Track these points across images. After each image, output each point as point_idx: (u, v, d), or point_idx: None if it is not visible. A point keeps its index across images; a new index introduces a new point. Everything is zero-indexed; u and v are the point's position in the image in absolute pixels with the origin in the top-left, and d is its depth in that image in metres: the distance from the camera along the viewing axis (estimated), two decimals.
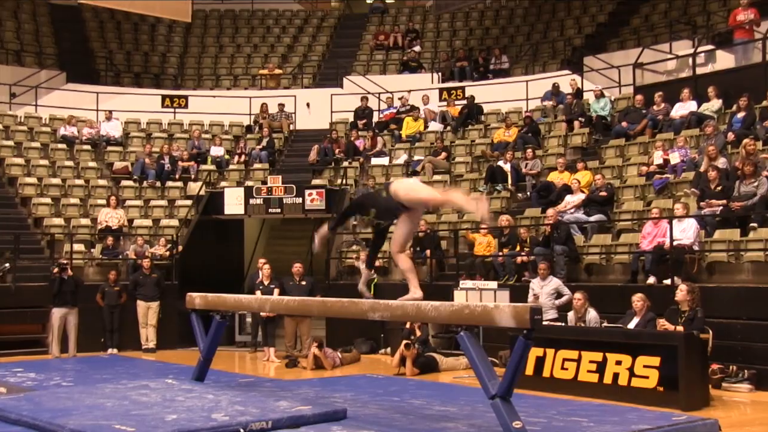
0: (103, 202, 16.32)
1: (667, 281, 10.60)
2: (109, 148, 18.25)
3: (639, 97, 15.80)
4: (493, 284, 11.85)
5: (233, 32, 23.89)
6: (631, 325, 9.37)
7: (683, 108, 14.83)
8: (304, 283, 12.70)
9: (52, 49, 21.11)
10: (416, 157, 17.44)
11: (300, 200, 16.08)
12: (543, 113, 17.73)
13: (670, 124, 14.77)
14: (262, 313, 12.53)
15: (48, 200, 16.29)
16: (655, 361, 8.57)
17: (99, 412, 6.48)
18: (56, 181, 16.91)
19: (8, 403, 7.07)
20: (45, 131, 18.40)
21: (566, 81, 17.51)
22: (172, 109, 20.23)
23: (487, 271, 12.95)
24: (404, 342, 11.15)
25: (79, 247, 15.08)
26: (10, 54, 19.98)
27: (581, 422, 6.74)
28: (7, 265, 13.88)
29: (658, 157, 13.53)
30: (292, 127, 20.09)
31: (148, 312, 13.88)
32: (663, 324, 9.04)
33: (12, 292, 13.56)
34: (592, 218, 12.77)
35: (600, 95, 16.52)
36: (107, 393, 7.43)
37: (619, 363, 8.82)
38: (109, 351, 13.57)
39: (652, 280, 10.95)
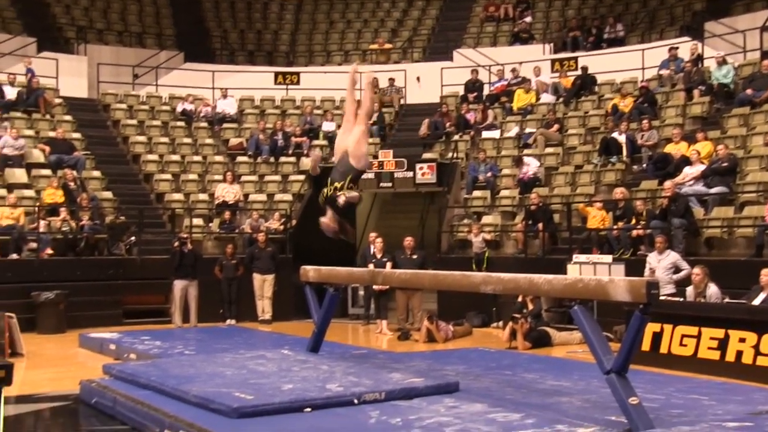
0: (220, 177, 16.81)
1: None
2: (225, 125, 18.77)
3: (766, 62, 14.98)
4: (608, 258, 11.58)
5: (343, 8, 24.02)
6: (757, 301, 8.97)
7: None
8: (415, 256, 12.76)
9: (171, 31, 21.84)
10: (528, 130, 17.17)
11: (411, 174, 16.09)
12: (660, 82, 17.08)
13: None
14: (374, 287, 12.69)
15: (168, 176, 16.91)
16: None
17: (219, 379, 6.75)
18: (176, 157, 17.53)
19: (138, 369, 7.50)
20: (165, 110, 19.10)
21: (685, 48, 16.80)
22: (284, 86, 20.59)
23: (601, 245, 12.67)
24: (512, 315, 11.08)
25: (198, 221, 15.66)
26: (133, 37, 20.83)
27: (702, 400, 6.55)
28: (132, 238, 14.57)
29: None
30: (402, 101, 20.12)
31: (263, 285, 14.24)
32: None
33: (137, 264, 14.23)
34: (713, 190, 12.27)
35: (722, 62, 15.75)
36: (227, 362, 7.72)
37: (742, 340, 8.48)
38: (228, 322, 14.02)
39: None
